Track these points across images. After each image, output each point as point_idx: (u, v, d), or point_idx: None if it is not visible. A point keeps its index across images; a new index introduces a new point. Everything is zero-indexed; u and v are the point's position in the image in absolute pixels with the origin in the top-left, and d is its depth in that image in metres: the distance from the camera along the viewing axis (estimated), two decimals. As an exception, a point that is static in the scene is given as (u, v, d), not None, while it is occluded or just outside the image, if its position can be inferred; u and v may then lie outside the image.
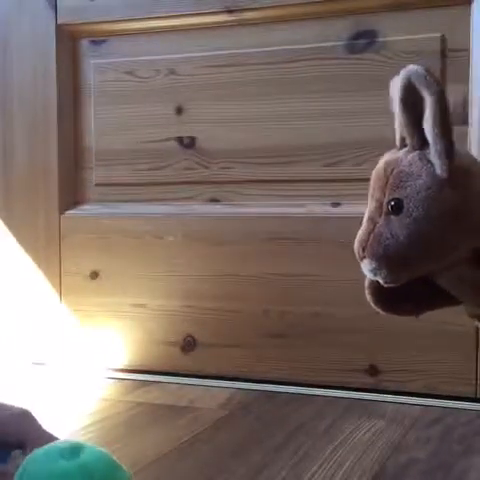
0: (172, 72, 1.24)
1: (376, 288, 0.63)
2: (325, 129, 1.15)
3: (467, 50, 1.07)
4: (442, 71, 1.08)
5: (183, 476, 0.79)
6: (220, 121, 1.21)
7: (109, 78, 1.28)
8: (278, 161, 1.18)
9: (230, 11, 1.18)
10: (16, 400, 1.10)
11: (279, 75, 1.17)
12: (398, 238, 0.57)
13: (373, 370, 1.12)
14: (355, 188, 1.13)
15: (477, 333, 1.06)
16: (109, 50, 1.28)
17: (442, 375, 1.09)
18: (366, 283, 0.64)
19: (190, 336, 1.22)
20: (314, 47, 1.15)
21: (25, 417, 0.63)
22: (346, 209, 1.13)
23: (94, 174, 1.30)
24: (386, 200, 0.58)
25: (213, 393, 1.13)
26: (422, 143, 0.57)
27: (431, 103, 0.55)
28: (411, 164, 0.58)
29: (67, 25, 1.29)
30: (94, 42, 1.29)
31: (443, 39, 1.08)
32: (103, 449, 0.56)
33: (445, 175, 0.56)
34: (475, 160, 0.60)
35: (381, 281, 0.60)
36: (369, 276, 0.61)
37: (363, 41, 1.13)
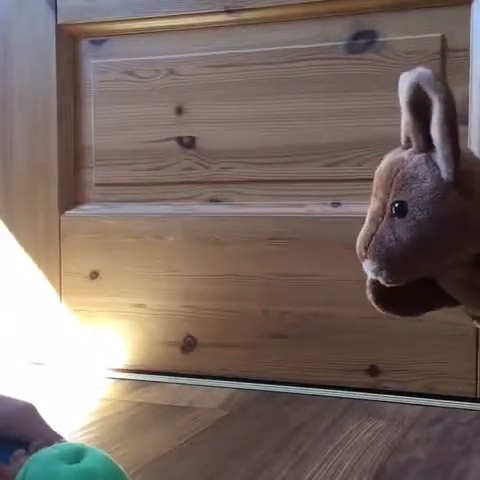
0: (172, 72, 1.24)
1: (377, 288, 0.63)
2: (325, 129, 1.15)
3: (467, 50, 1.07)
4: (442, 71, 1.08)
5: (183, 476, 0.79)
6: (220, 121, 1.21)
7: (109, 78, 1.28)
8: (278, 161, 1.18)
9: (230, 11, 1.18)
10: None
11: (279, 75, 1.17)
12: (401, 240, 0.58)
13: (373, 370, 1.12)
14: (355, 188, 1.13)
15: (477, 333, 1.06)
16: (109, 50, 1.28)
17: (442, 375, 1.09)
18: (367, 282, 0.64)
19: (190, 336, 1.22)
20: (314, 47, 1.15)
21: (29, 412, 0.63)
22: (346, 209, 1.13)
23: (94, 174, 1.30)
24: (390, 202, 0.58)
25: (213, 393, 1.13)
26: (427, 145, 0.57)
27: (440, 108, 0.55)
28: (416, 166, 0.58)
29: (67, 25, 1.29)
30: (94, 42, 1.29)
31: (443, 39, 1.08)
32: (104, 452, 0.56)
33: (450, 179, 0.56)
34: (478, 161, 0.60)
35: (382, 281, 0.60)
36: (370, 276, 0.61)
37: (363, 41, 1.13)
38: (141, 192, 1.27)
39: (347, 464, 0.82)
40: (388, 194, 0.59)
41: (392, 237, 0.58)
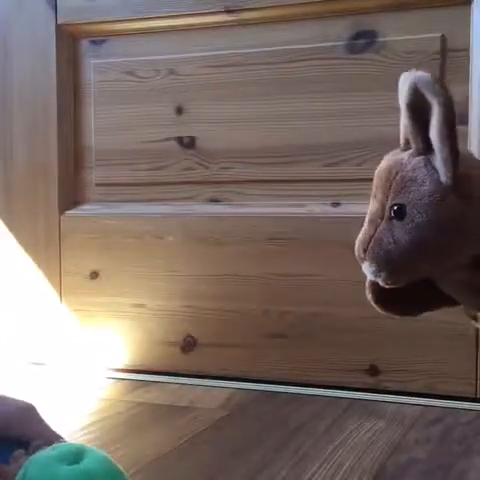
0: (172, 72, 1.24)
1: (376, 288, 0.63)
2: (325, 129, 1.15)
3: (467, 50, 1.07)
4: (442, 71, 1.08)
5: (183, 476, 0.79)
6: (220, 121, 1.21)
7: (109, 78, 1.28)
8: (278, 161, 1.18)
9: (230, 11, 1.18)
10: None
11: (279, 75, 1.17)
12: (400, 243, 0.58)
13: (373, 370, 1.12)
14: (355, 188, 1.13)
15: (477, 333, 1.06)
16: (109, 50, 1.28)
17: (442, 375, 1.09)
18: (367, 283, 0.64)
19: (190, 336, 1.23)
20: (314, 47, 1.15)
21: (29, 412, 0.63)
22: (346, 209, 1.13)
23: (94, 174, 1.30)
24: (389, 204, 0.58)
25: (213, 393, 1.13)
26: (426, 148, 0.57)
27: (438, 111, 0.55)
28: (415, 169, 0.58)
29: (67, 25, 1.29)
30: (94, 42, 1.29)
31: (443, 39, 1.08)
32: (104, 453, 0.56)
33: (449, 183, 0.56)
34: (477, 163, 0.60)
35: (381, 283, 0.60)
36: (369, 277, 0.61)
37: (363, 41, 1.13)
38: (141, 192, 1.27)
39: (347, 464, 0.82)
40: (387, 196, 0.59)
41: (391, 239, 0.58)
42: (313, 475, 0.78)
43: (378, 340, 1.12)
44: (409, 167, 0.58)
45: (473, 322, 0.66)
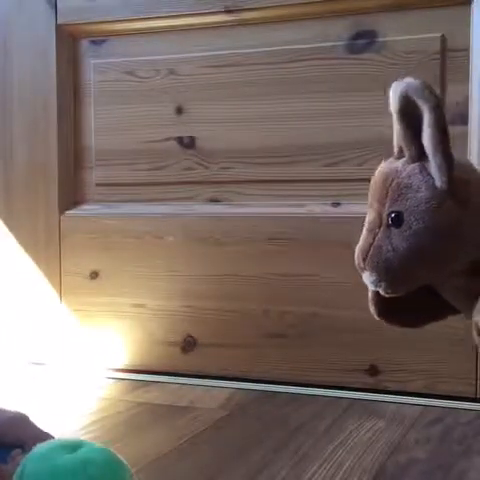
0: (172, 72, 1.24)
1: (379, 300, 0.63)
2: (325, 129, 1.15)
3: (467, 50, 1.07)
4: (442, 71, 1.08)
5: (183, 476, 0.79)
6: (220, 121, 1.21)
7: (109, 78, 1.28)
8: (278, 161, 1.18)
9: (230, 11, 1.18)
10: (16, 400, 1.11)
11: (279, 75, 1.17)
12: (398, 250, 0.58)
13: (373, 370, 1.12)
14: (355, 188, 1.13)
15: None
16: (109, 50, 1.28)
17: (442, 375, 1.09)
18: (369, 296, 0.64)
19: (190, 336, 1.23)
20: (314, 47, 1.15)
21: (22, 420, 0.64)
22: (346, 209, 1.13)
23: (94, 174, 1.30)
24: (386, 212, 0.59)
25: (213, 393, 1.13)
26: (420, 155, 0.58)
27: (429, 117, 0.55)
28: (410, 176, 0.58)
29: (67, 25, 1.29)
30: (94, 42, 1.29)
31: (443, 39, 1.08)
32: (102, 445, 0.56)
33: (445, 188, 0.56)
34: (474, 169, 0.60)
35: (382, 292, 0.60)
36: (370, 287, 0.61)
37: (363, 41, 1.13)
38: (141, 192, 1.27)
39: (347, 464, 0.82)
40: (384, 204, 0.59)
41: (389, 247, 0.58)
42: (313, 475, 0.78)
43: (378, 340, 1.12)
44: (404, 174, 0.58)
45: (475, 333, 0.66)
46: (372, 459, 0.84)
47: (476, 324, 0.60)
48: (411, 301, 0.62)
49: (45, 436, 0.62)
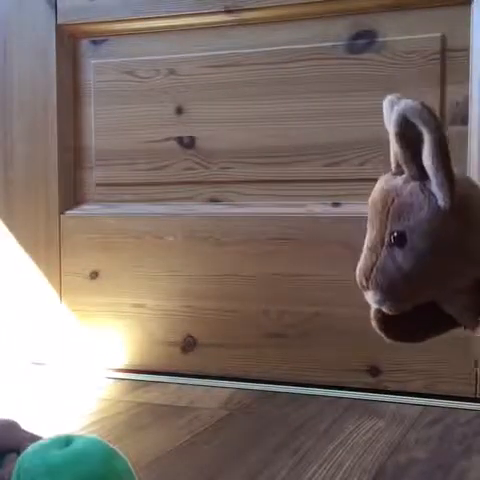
0: (172, 72, 1.24)
1: (382, 317, 0.63)
2: (325, 129, 1.15)
3: (467, 50, 1.07)
4: (442, 71, 1.08)
5: (183, 476, 0.79)
6: (220, 121, 1.21)
7: (109, 78, 1.28)
8: (278, 161, 1.18)
9: (230, 11, 1.18)
10: (16, 400, 1.11)
11: (279, 75, 1.17)
12: (402, 270, 0.58)
13: (373, 370, 1.12)
14: (355, 188, 1.13)
15: (477, 333, 1.06)
16: (109, 50, 1.28)
17: (442, 375, 1.09)
18: (372, 313, 0.64)
19: (190, 336, 1.22)
20: (314, 47, 1.15)
21: (12, 426, 0.64)
22: (346, 209, 1.13)
23: (94, 174, 1.30)
24: (388, 231, 0.58)
25: (213, 393, 1.13)
26: (421, 173, 0.57)
27: (430, 139, 0.54)
28: (412, 194, 0.57)
29: (67, 25, 1.29)
30: (94, 42, 1.29)
31: (443, 39, 1.08)
32: (97, 437, 0.56)
33: (447, 207, 0.56)
34: (473, 185, 0.60)
35: (386, 310, 0.60)
36: (374, 306, 0.61)
37: (363, 41, 1.13)
38: (141, 192, 1.27)
39: (347, 464, 0.82)
40: (385, 224, 0.59)
41: (393, 267, 0.58)
42: (313, 475, 0.78)
43: (378, 340, 1.11)
44: (406, 192, 0.58)
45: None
46: (372, 459, 0.84)
47: None
48: (414, 316, 0.62)
49: (37, 439, 0.62)
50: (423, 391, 1.09)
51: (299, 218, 1.16)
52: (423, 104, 0.55)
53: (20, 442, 0.61)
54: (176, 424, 0.97)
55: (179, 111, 1.24)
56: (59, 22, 1.29)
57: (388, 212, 0.58)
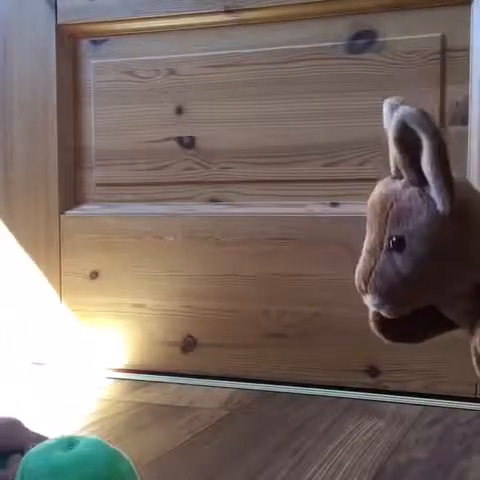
0: (172, 72, 1.24)
1: (380, 319, 0.63)
2: (325, 129, 1.15)
3: (467, 50, 1.07)
4: (442, 71, 1.08)
5: (183, 476, 0.79)
6: (220, 121, 1.21)
7: (109, 78, 1.28)
8: (278, 161, 1.18)
9: (230, 11, 1.18)
10: (16, 400, 1.11)
11: (279, 75, 1.17)
12: (401, 274, 0.58)
13: (373, 370, 1.12)
14: (355, 188, 1.13)
15: (477, 333, 1.06)
16: (109, 50, 1.28)
17: (442, 375, 1.09)
18: (370, 315, 0.64)
19: (190, 336, 1.22)
20: (314, 47, 1.15)
21: (16, 425, 0.64)
22: (346, 209, 1.13)
23: (94, 174, 1.30)
24: (387, 236, 0.58)
25: (213, 393, 1.13)
26: (420, 178, 0.57)
27: (429, 145, 0.55)
28: (411, 199, 0.58)
29: (67, 25, 1.29)
30: (94, 42, 1.29)
31: (443, 39, 1.08)
32: (99, 439, 0.56)
33: (446, 212, 0.56)
34: (472, 190, 0.60)
35: (385, 314, 0.60)
36: (372, 309, 0.62)
37: (363, 41, 1.13)
38: (141, 192, 1.27)
39: (347, 464, 0.82)
40: (384, 228, 0.59)
41: (392, 272, 0.58)
42: (313, 475, 0.78)
43: (378, 340, 1.11)
44: (405, 197, 0.58)
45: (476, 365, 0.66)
46: (372, 459, 0.84)
47: (475, 349, 0.60)
48: (412, 318, 0.62)
49: (41, 438, 0.61)
50: (423, 391, 1.09)
51: (299, 218, 1.16)
52: (422, 110, 0.55)
53: (24, 442, 0.61)
54: (176, 424, 0.97)
55: (179, 111, 1.24)
56: (59, 22, 1.29)
57: (387, 216, 0.59)
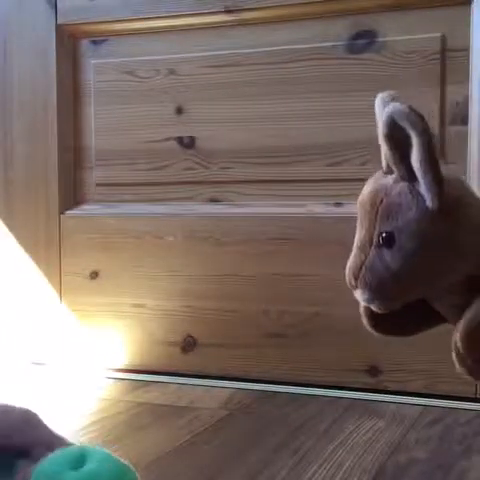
0: (172, 72, 1.24)
1: (371, 313, 0.64)
2: (325, 129, 1.15)
3: (467, 50, 1.07)
4: (442, 71, 1.08)
5: (183, 476, 0.79)
6: (220, 121, 1.21)
7: (109, 78, 1.28)
8: (278, 161, 1.18)
9: (230, 11, 1.18)
10: (16, 400, 1.10)
11: (279, 75, 1.17)
12: (391, 270, 0.58)
13: (373, 370, 1.12)
14: (356, 188, 1.12)
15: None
16: (109, 50, 1.28)
17: (442, 375, 1.09)
18: (361, 309, 0.64)
19: (190, 336, 1.23)
20: (314, 47, 1.15)
21: (30, 421, 0.63)
22: (347, 209, 1.13)
23: (94, 174, 1.30)
24: (377, 232, 0.59)
25: (213, 393, 1.13)
26: (410, 174, 0.58)
27: (418, 141, 0.55)
28: (401, 195, 0.58)
29: (67, 25, 1.29)
30: (94, 42, 1.29)
31: (443, 39, 1.08)
32: (107, 451, 0.56)
33: (435, 208, 0.56)
34: (464, 186, 0.60)
35: (375, 309, 0.61)
36: (363, 304, 0.62)
37: (363, 41, 1.13)
38: (141, 192, 1.27)
39: (347, 464, 0.82)
40: (374, 223, 0.59)
41: (381, 267, 0.58)
42: (313, 475, 0.78)
43: (378, 340, 1.11)
44: (394, 193, 0.58)
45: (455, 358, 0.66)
46: (372, 459, 0.84)
47: (455, 343, 0.60)
48: (404, 312, 0.63)
49: (53, 439, 0.61)
50: (423, 391, 1.09)
51: (299, 218, 1.16)
52: (411, 107, 0.55)
53: (36, 443, 0.60)
54: (176, 424, 0.97)
55: (179, 111, 1.24)
56: (59, 22, 1.29)
57: (377, 212, 0.59)
